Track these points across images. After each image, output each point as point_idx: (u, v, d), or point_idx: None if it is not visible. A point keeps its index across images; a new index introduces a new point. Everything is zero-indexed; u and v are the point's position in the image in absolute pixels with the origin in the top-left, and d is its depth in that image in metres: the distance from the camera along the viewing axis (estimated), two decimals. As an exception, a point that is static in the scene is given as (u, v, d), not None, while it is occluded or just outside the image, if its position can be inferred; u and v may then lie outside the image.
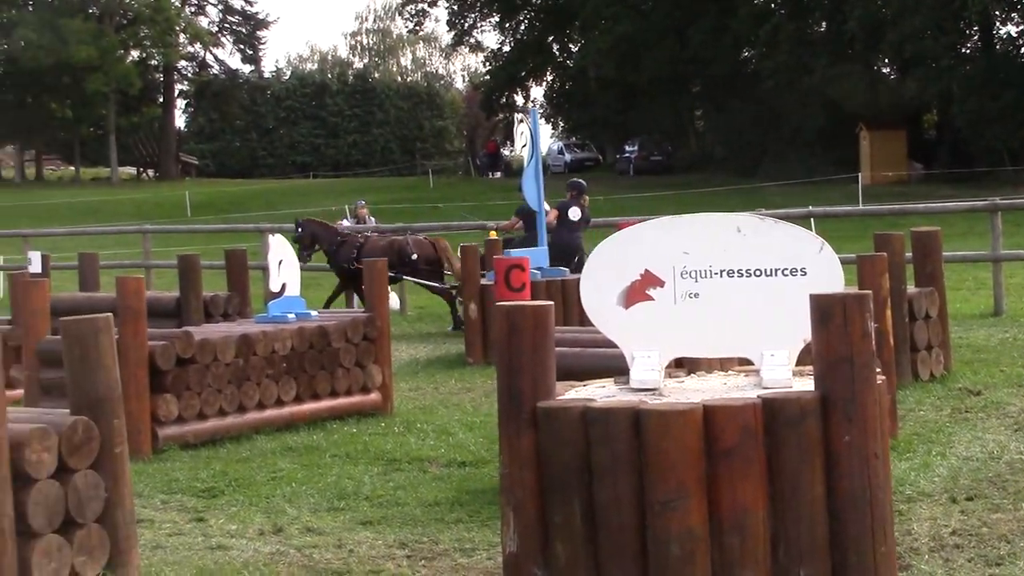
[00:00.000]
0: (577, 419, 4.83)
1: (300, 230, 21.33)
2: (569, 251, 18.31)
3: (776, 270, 5.25)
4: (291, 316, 12.19)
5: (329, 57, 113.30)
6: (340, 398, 11.96)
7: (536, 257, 16.36)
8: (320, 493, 8.92)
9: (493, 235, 19.01)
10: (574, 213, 19.05)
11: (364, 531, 7.86)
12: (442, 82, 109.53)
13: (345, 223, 25.05)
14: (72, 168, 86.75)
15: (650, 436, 4.66)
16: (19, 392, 11.82)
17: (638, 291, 5.38)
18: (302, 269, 12.97)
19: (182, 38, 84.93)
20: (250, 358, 11.30)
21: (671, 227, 5.46)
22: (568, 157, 75.12)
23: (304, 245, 21.13)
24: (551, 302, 5.16)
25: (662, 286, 5.35)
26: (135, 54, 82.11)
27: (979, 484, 8.30)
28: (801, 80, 55.52)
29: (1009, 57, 53.73)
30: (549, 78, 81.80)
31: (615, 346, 5.51)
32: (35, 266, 17.54)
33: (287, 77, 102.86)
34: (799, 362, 5.28)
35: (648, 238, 5.43)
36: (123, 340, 10.18)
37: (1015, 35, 56.19)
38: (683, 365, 5.82)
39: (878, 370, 4.88)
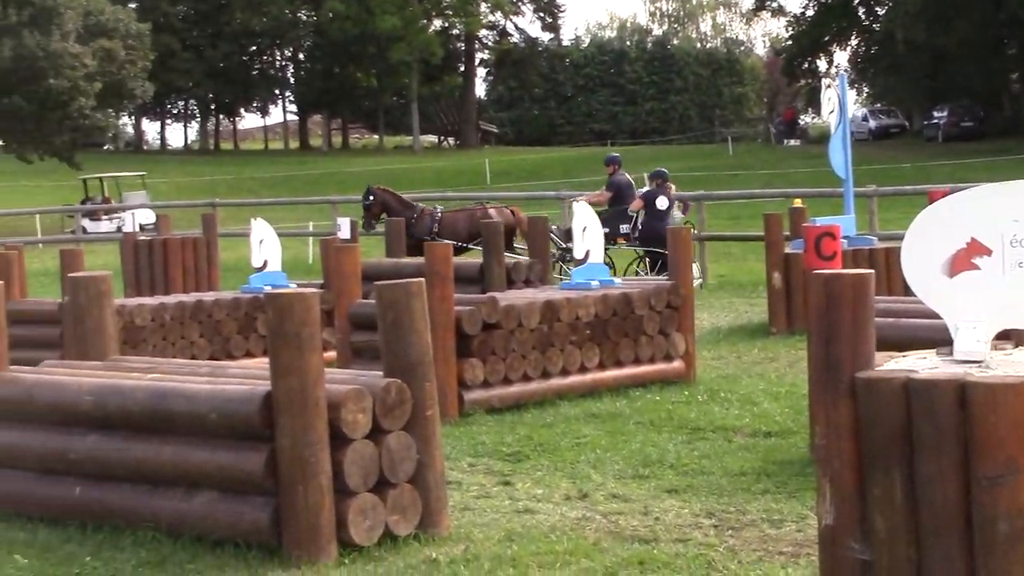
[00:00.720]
0: (899, 390, 4.67)
1: (371, 198, 21.23)
2: (661, 240, 17.80)
3: (1113, 239, 4.97)
4: (594, 283, 12.22)
5: (628, 24, 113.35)
6: (643, 365, 11.93)
7: (842, 225, 16.00)
8: (624, 460, 8.92)
9: (798, 203, 18.68)
10: (661, 202, 19.05)
11: (670, 499, 7.82)
12: (742, 48, 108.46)
13: (644, 191, 25.00)
14: (376, 136, 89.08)
15: (977, 409, 4.47)
16: (331, 354, 12.18)
17: (963, 260, 5.16)
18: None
19: (483, 7, 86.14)
20: (554, 324, 11.37)
21: (1000, 194, 5.22)
22: (873, 124, 73.34)
23: (373, 214, 21.11)
24: (871, 271, 5.00)
25: (989, 255, 5.12)
26: (437, 23, 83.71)
27: None
28: None
29: None
30: (854, 42, 79.98)
31: (930, 316, 5.31)
32: (344, 232, 18.03)
33: (586, 44, 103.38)
34: None
35: (976, 205, 5.20)
36: (431, 305, 10.30)
37: None
38: (1010, 337, 5.58)
39: None
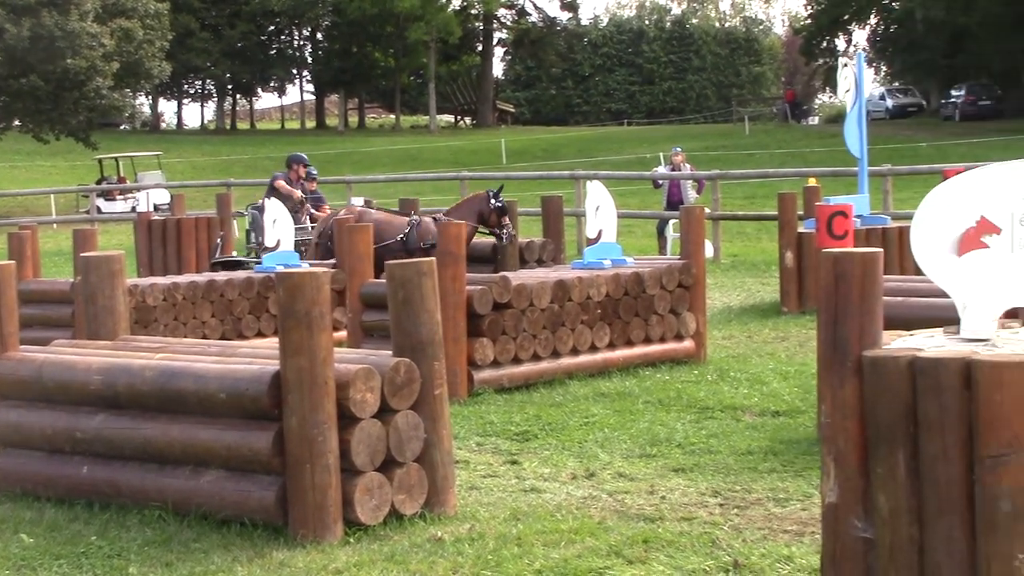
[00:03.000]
0: (905, 369, 4.64)
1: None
2: None
3: (1124, 218, 4.93)
4: (606, 263, 12.20)
5: (647, 3, 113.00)
6: (653, 345, 11.93)
7: (856, 205, 15.96)
8: (632, 439, 8.91)
9: (812, 182, 18.62)
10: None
11: (676, 478, 7.82)
12: (761, 27, 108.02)
13: (660, 170, 24.97)
14: (392, 116, 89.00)
15: (982, 388, 4.45)
16: (342, 334, 12.18)
17: (972, 239, 5.13)
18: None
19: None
20: (565, 304, 11.36)
21: (1011, 172, 5.18)
22: (890, 103, 73.03)
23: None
24: (880, 249, 4.97)
25: (999, 234, 5.09)
26: (456, 3, 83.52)
27: None
28: None
29: None
30: (873, 21, 79.50)
31: (940, 295, 5.29)
32: (358, 211, 18.00)
33: (604, 24, 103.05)
34: None
35: (986, 184, 5.16)
36: (442, 284, 10.28)
37: None
38: (1018, 316, 5.55)
39: None
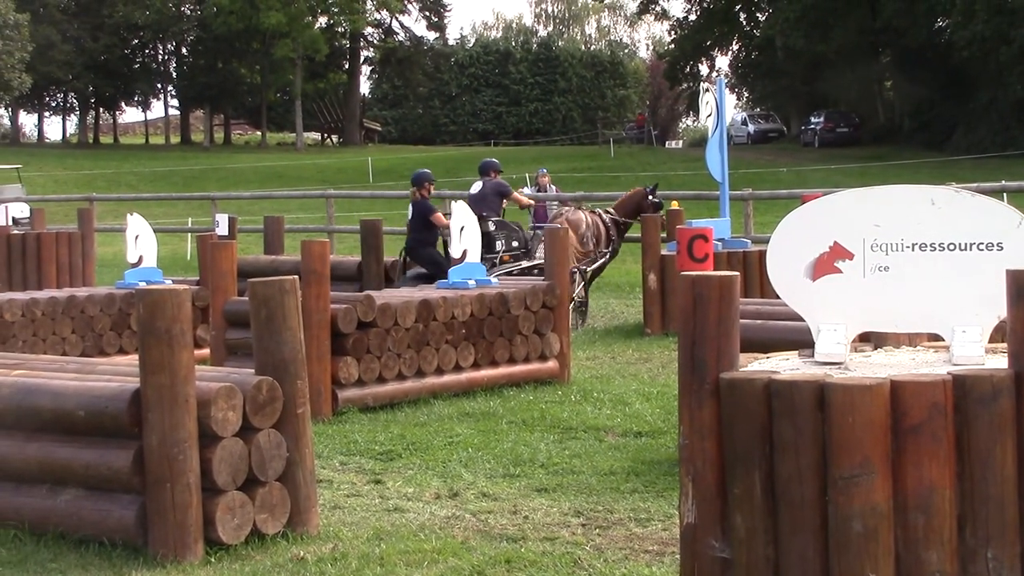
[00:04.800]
0: (761, 391, 4.74)
1: None
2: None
3: (971, 244, 5.08)
4: (471, 282, 12.26)
5: (514, 25, 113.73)
6: (518, 365, 12.00)
7: (717, 228, 16.21)
8: (496, 459, 8.95)
9: (675, 205, 18.87)
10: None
11: (539, 498, 7.87)
12: (626, 51, 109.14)
13: (526, 191, 25.10)
14: (259, 133, 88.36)
15: (835, 410, 4.55)
16: (205, 352, 12.09)
17: (826, 263, 5.25)
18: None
19: (369, 4, 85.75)
20: (430, 323, 11.38)
21: (862, 199, 5.32)
22: (752, 128, 74.28)
23: None
24: (736, 273, 5.07)
25: (851, 259, 5.21)
26: (323, 20, 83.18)
27: None
28: (998, 50, 53.96)
29: None
30: (735, 47, 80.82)
31: (798, 318, 5.40)
32: (222, 228, 17.89)
33: (471, 44, 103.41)
34: (991, 340, 5.12)
35: (838, 210, 5.29)
36: (306, 303, 10.31)
37: None
38: (870, 340, 5.68)
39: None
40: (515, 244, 17.15)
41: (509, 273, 16.23)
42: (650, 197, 18.18)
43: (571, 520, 7.34)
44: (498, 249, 16.93)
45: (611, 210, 18.52)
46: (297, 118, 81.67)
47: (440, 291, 12.08)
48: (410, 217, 16.38)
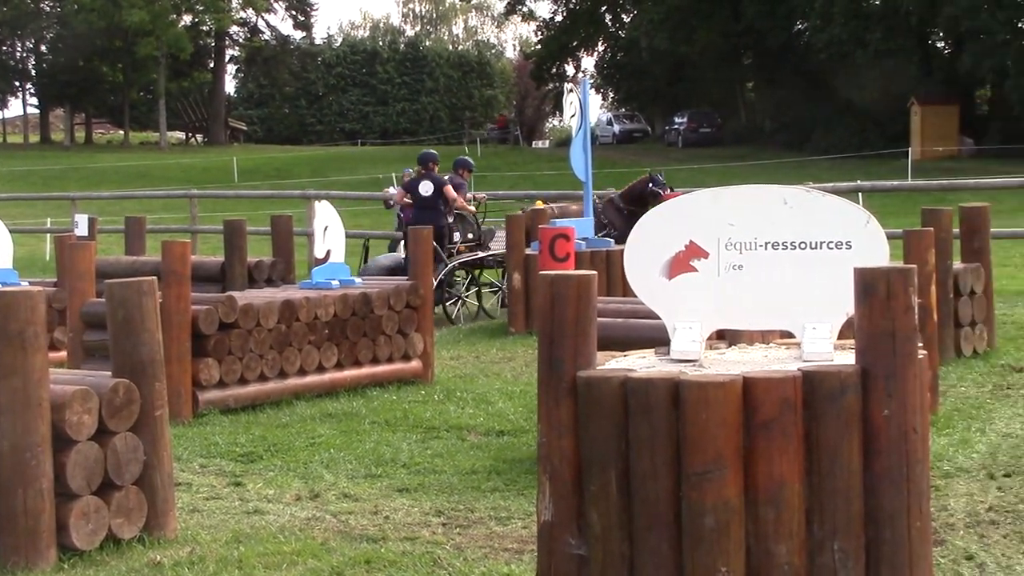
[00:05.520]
0: (617, 389, 4.78)
1: None
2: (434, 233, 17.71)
3: (821, 243, 5.17)
4: (335, 283, 12.20)
5: (381, 24, 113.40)
6: (381, 365, 11.96)
7: (581, 227, 16.31)
8: (358, 460, 8.92)
9: (540, 204, 18.93)
10: (424, 188, 18.10)
11: (401, 498, 7.86)
12: (493, 51, 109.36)
13: (392, 190, 25.03)
14: (121, 132, 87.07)
15: (689, 407, 4.61)
16: (62, 354, 11.88)
17: (682, 262, 5.32)
18: (346, 235, 12.99)
19: (234, 3, 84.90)
20: (293, 324, 11.30)
21: (717, 198, 5.39)
22: (617, 128, 74.94)
23: None
24: (594, 272, 5.11)
25: (706, 257, 5.29)
26: (187, 19, 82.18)
27: (1018, 461, 8.25)
28: (854, 54, 55.04)
29: (1067, 33, 53.18)
30: (600, 48, 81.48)
31: (658, 317, 5.46)
32: (81, 229, 17.60)
33: (338, 44, 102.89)
34: (842, 336, 5.21)
35: (694, 209, 5.36)
36: (167, 304, 10.20)
37: (1074, 10, 55.59)
38: (725, 337, 5.76)
39: (920, 345, 4.81)
40: (470, 236, 18.06)
41: (465, 262, 17.73)
42: (651, 185, 18.33)
43: (432, 520, 7.34)
44: (456, 240, 17.96)
45: (617, 197, 18.93)
46: (161, 117, 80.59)
47: (303, 291, 11.99)
48: (427, 193, 17.67)
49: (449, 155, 59.11)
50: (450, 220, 17.82)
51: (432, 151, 19.23)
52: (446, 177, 18.57)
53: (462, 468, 8.57)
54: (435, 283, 16.98)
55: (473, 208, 18.75)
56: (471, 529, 7.11)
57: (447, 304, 17.47)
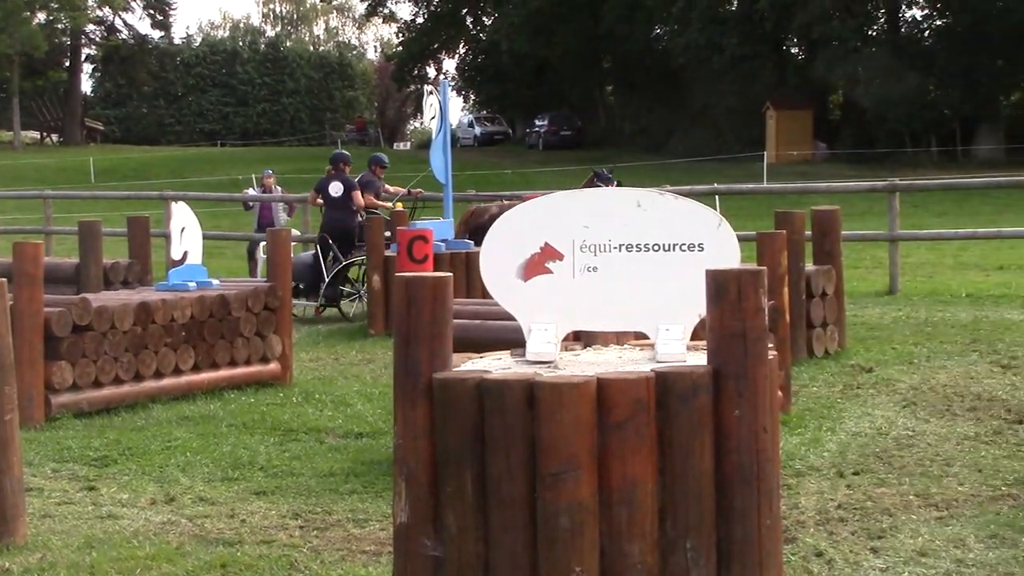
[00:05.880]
0: (472, 390, 4.79)
1: None
2: (341, 233, 18.18)
3: (674, 245, 5.24)
4: (192, 284, 12.07)
5: (241, 25, 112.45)
6: (239, 368, 11.87)
7: (441, 229, 16.33)
8: (215, 463, 8.85)
9: (399, 206, 18.91)
10: (335, 189, 18.40)
11: (257, 501, 7.81)
12: (354, 52, 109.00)
13: (251, 192, 24.85)
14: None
15: (543, 408, 4.64)
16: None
17: (537, 264, 5.35)
18: (204, 237, 12.87)
19: (91, 1, 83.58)
20: (148, 326, 11.16)
21: (572, 200, 5.44)
22: (478, 130, 75.16)
23: None
24: (450, 273, 5.11)
25: (561, 259, 5.32)
26: (41, 16, 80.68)
27: (866, 459, 8.43)
28: (711, 59, 55.81)
29: (913, 40, 54.55)
30: (462, 51, 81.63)
31: (514, 319, 5.49)
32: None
33: (197, 44, 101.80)
34: (696, 337, 5.28)
35: (548, 211, 5.39)
36: (18, 306, 10.02)
37: (919, 19, 57.00)
38: (580, 339, 5.81)
39: (771, 346, 4.89)
40: (387, 235, 17.64)
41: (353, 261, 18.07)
42: (596, 182, 18.56)
43: (289, 522, 7.31)
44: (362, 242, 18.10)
45: None
46: (14, 116, 78.99)
47: (159, 293, 11.85)
48: (337, 194, 18.14)
49: (312, 157, 58.62)
50: (360, 219, 17.97)
51: (344, 152, 19.68)
52: (360, 176, 18.93)
53: (320, 470, 8.54)
54: (328, 281, 17.30)
55: (390, 205, 18.78)
56: (328, 532, 7.09)
57: (343, 302, 17.92)
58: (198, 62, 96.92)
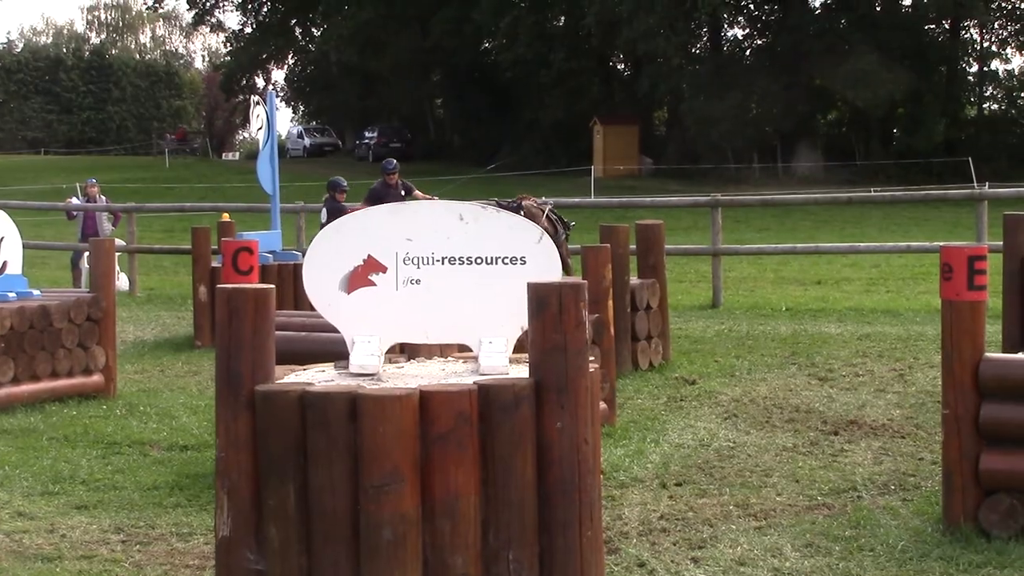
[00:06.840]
0: (294, 403, 4.81)
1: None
2: None
3: (496, 258, 5.32)
4: (11, 295, 11.83)
5: (65, 31, 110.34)
6: (61, 380, 11.66)
7: (268, 240, 16.24)
8: (34, 476, 8.69)
9: (226, 217, 18.76)
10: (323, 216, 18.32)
11: (78, 515, 7.69)
12: (182, 61, 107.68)
13: (74, 201, 24.42)
14: None
15: (366, 421, 4.67)
16: None
17: (360, 276, 5.39)
18: (27, 247, 12.62)
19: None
20: (-34, 338, 10.92)
21: (395, 213, 5.49)
22: (308, 142, 74.76)
23: None
24: (272, 285, 5.12)
25: (384, 272, 5.37)
26: None
27: (688, 470, 8.58)
28: (539, 73, 56.27)
29: (735, 59, 55.63)
30: (291, 61, 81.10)
31: (334, 330, 5.51)
32: None
33: (19, 50, 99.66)
34: (519, 350, 5.35)
35: (372, 224, 5.44)
36: None
37: (741, 37, 58.20)
38: (404, 351, 5.85)
39: (593, 359, 4.99)
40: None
41: None
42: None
43: (111, 537, 7.21)
44: None
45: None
46: None
47: (-23, 305, 11.60)
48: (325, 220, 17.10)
49: (138, 166, 57.73)
50: None
51: (334, 179, 19.14)
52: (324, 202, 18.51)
53: (144, 484, 8.44)
54: None
55: None
56: (152, 546, 7.01)
57: None
58: (20, 68, 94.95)
